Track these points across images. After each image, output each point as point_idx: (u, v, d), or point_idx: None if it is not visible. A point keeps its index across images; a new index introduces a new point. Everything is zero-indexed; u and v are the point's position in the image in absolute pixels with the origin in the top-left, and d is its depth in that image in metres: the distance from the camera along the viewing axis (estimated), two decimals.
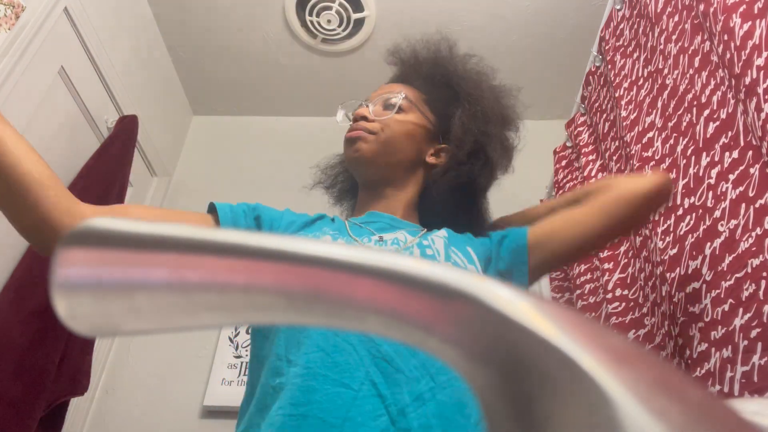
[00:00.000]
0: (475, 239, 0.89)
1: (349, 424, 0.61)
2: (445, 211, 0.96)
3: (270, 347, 0.73)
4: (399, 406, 0.64)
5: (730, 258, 0.86)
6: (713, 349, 0.85)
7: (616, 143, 1.35)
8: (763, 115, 0.80)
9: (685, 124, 1.04)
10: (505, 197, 1.12)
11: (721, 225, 0.89)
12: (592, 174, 1.47)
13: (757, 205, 0.83)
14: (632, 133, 1.22)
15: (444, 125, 0.97)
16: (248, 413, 0.71)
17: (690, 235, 0.96)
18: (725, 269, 0.86)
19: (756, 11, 0.86)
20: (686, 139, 1.03)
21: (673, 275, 0.99)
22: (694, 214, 0.97)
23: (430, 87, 1.00)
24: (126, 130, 1.62)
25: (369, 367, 0.66)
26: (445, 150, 0.96)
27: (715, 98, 0.96)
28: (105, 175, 1.51)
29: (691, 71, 1.05)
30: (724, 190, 0.90)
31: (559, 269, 0.93)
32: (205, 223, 0.80)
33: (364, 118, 0.94)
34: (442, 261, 0.79)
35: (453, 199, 0.95)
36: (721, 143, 0.93)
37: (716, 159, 0.94)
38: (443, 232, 0.87)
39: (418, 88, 1.00)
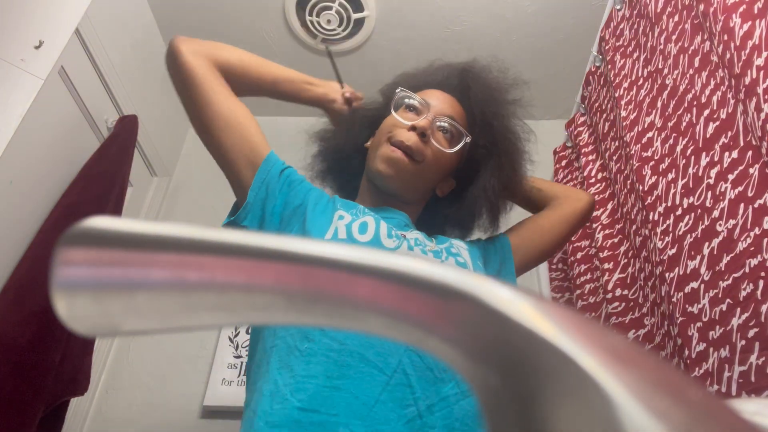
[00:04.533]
0: (473, 244, 0.96)
1: (380, 406, 0.64)
2: (437, 225, 1.05)
3: None
4: (428, 402, 0.67)
5: (728, 258, 0.86)
6: (711, 349, 0.85)
7: (616, 143, 1.35)
8: (762, 115, 0.80)
9: (684, 124, 1.04)
10: None
11: (720, 225, 0.89)
12: (592, 174, 1.47)
13: (755, 205, 0.83)
14: (632, 133, 1.22)
15: (464, 164, 0.98)
16: (267, 369, 0.72)
17: (689, 235, 0.97)
18: (723, 269, 0.86)
19: (756, 11, 0.86)
20: (686, 139, 1.03)
21: (672, 275, 0.99)
22: (692, 214, 0.97)
23: (474, 124, 0.98)
24: (126, 130, 1.62)
25: (402, 357, 0.69)
26: (451, 186, 1.00)
27: (714, 98, 0.96)
28: (105, 175, 1.50)
29: (691, 71, 1.05)
30: (723, 190, 0.90)
31: (524, 271, 1.01)
32: (258, 140, 0.97)
33: (423, 135, 0.88)
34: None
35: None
36: (720, 143, 0.93)
37: (716, 159, 0.94)
38: (461, 243, 0.92)
39: (468, 121, 0.98)
